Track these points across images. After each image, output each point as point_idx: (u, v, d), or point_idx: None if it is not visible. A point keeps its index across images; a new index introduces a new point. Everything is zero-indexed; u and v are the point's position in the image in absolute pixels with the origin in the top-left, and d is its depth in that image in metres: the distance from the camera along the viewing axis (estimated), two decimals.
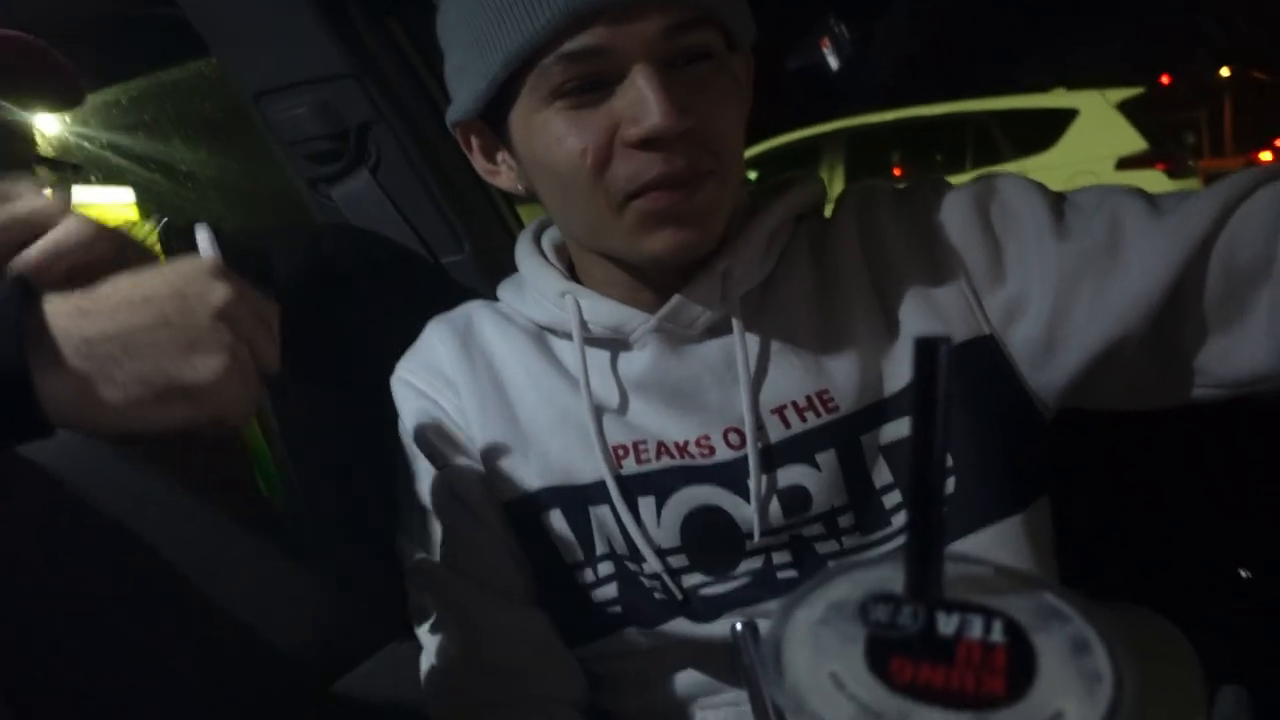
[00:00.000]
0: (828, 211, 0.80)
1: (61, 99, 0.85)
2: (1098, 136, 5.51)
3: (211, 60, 1.20)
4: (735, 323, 0.71)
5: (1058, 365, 0.68)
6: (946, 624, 0.30)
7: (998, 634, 0.30)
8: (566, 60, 0.62)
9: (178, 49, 1.26)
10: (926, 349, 0.30)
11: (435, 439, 0.77)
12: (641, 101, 0.62)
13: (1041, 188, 0.71)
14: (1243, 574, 0.86)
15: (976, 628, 0.30)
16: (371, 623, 0.84)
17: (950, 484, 0.68)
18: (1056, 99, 5.97)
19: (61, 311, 0.48)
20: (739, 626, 0.47)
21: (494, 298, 0.84)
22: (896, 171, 6.43)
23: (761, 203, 0.75)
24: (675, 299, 0.71)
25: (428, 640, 0.78)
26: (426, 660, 0.78)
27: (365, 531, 0.83)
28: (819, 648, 0.30)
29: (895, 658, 0.29)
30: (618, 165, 0.64)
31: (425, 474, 0.78)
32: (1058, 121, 5.69)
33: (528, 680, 0.75)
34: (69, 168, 0.90)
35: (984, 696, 0.27)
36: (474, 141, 0.75)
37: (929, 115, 6.40)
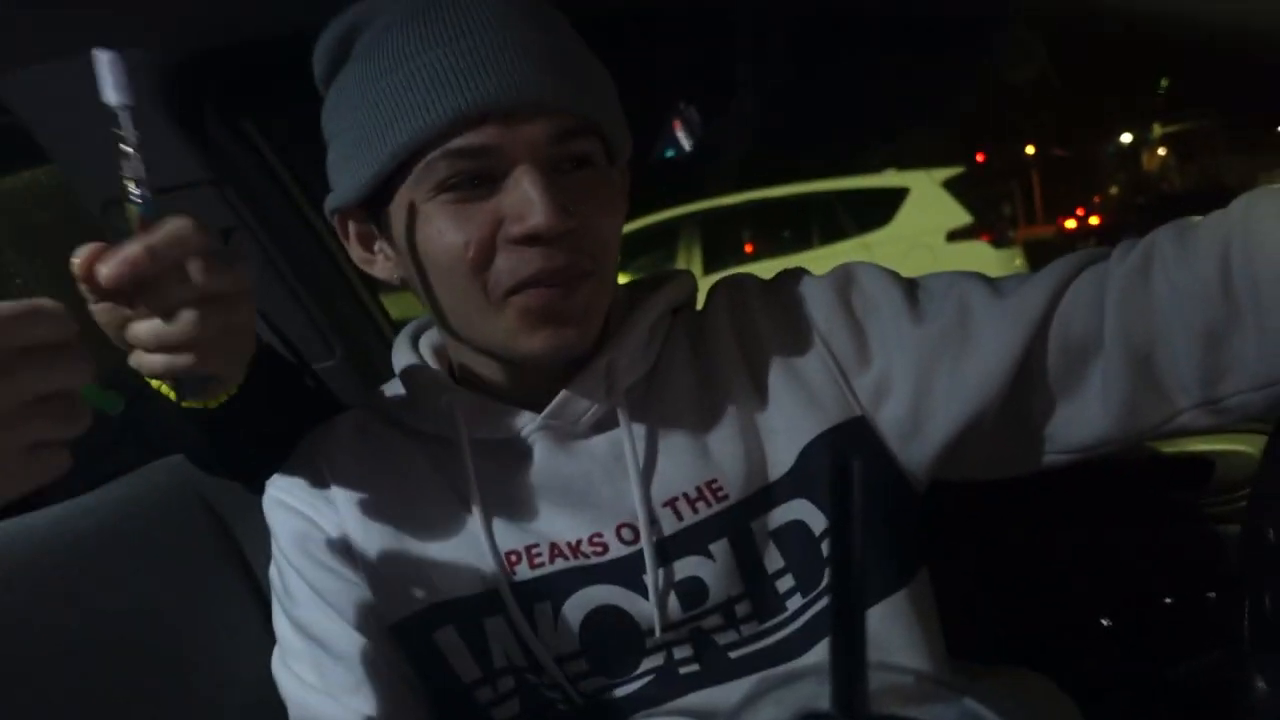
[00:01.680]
0: (699, 303, 0.83)
1: None
2: (928, 212, 6.00)
3: (47, 168, 1.14)
4: (622, 416, 0.72)
5: (924, 441, 0.72)
6: None
7: None
8: (454, 156, 0.64)
9: (9, 157, 1.19)
10: (840, 470, 0.32)
11: (314, 561, 0.73)
12: (526, 201, 0.63)
13: (895, 274, 0.77)
14: (1104, 623, 0.92)
15: None
16: None
17: None
18: (889, 179, 6.48)
19: None
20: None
21: (368, 403, 0.82)
22: (749, 248, 6.74)
23: (639, 297, 0.77)
24: (561, 395, 0.71)
25: None
26: None
27: None
28: None
29: None
30: (500, 261, 0.65)
31: (305, 599, 0.73)
32: (892, 199, 6.16)
33: None
34: None
35: None
36: (351, 229, 0.74)
37: (776, 196, 6.78)
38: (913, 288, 0.75)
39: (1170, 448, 0.99)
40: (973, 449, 0.72)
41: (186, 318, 0.55)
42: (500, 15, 0.65)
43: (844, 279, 0.76)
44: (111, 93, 0.54)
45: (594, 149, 0.68)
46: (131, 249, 0.52)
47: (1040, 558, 0.94)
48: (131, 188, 0.55)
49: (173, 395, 0.66)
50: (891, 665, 0.36)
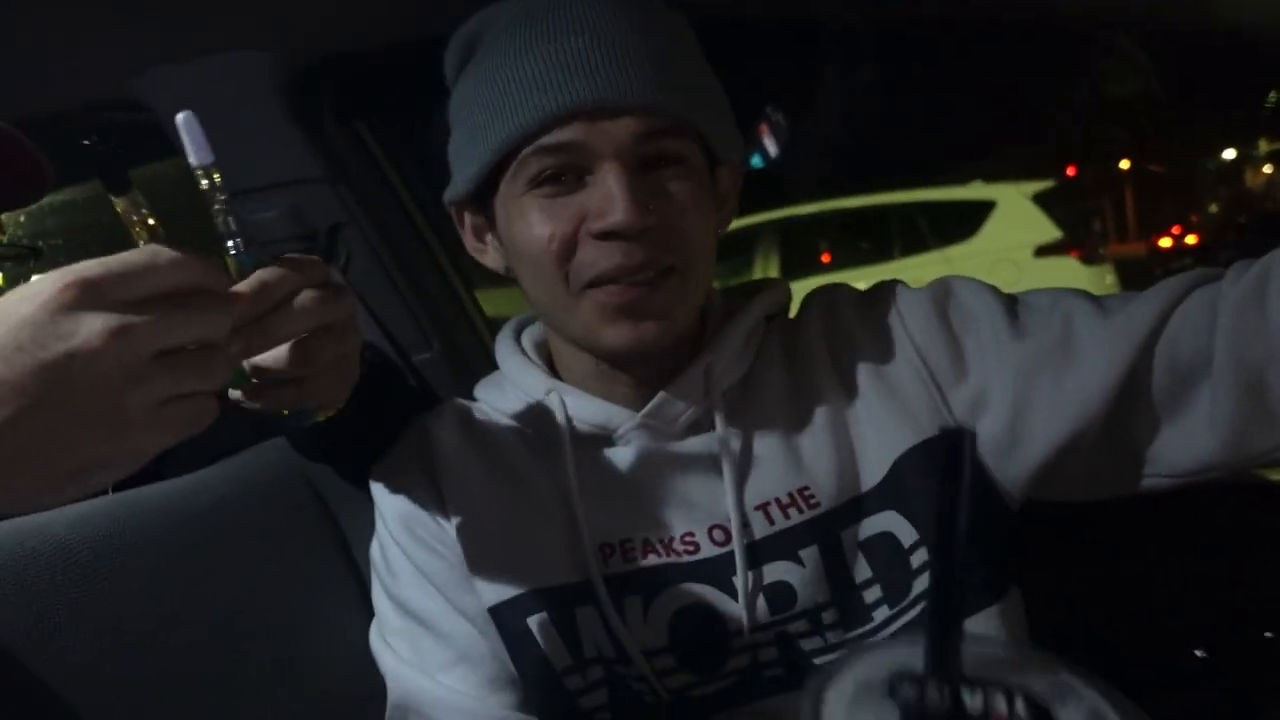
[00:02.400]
0: (792, 313, 0.84)
1: (27, 189, 0.84)
2: (1015, 226, 5.83)
3: (174, 161, 1.20)
4: (718, 419, 0.73)
5: (1021, 458, 0.72)
6: (972, 700, 0.32)
7: (1021, 709, 0.32)
8: (543, 153, 0.67)
9: (142, 151, 1.27)
10: (954, 438, 0.33)
11: (419, 541, 0.76)
12: (608, 197, 0.66)
13: (994, 289, 0.76)
14: (1198, 654, 0.89)
15: (1000, 703, 0.32)
16: None
17: (927, 578, 0.70)
18: (976, 191, 6.32)
19: None
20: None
21: (464, 396, 0.85)
22: (825, 258, 6.66)
23: (735, 303, 0.79)
24: (660, 396, 0.73)
25: None
26: None
27: None
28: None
29: None
30: (581, 254, 0.68)
31: (408, 578, 0.76)
32: (978, 212, 6.00)
33: None
34: (30, 253, 0.88)
35: None
36: (466, 220, 0.79)
37: (856, 206, 6.68)
38: (1013, 303, 0.75)
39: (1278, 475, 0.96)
40: (1071, 468, 0.71)
41: (295, 352, 0.56)
42: (599, 19, 0.67)
43: (942, 292, 0.76)
44: (194, 154, 0.55)
45: (685, 148, 0.70)
46: (236, 290, 0.53)
47: (1135, 584, 0.92)
48: (228, 242, 0.56)
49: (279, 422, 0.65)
50: (981, 636, 0.37)
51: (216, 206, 0.56)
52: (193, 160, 0.55)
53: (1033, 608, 0.75)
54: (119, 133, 1.15)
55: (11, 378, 0.42)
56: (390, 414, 0.84)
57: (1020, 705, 0.33)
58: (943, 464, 0.34)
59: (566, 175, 0.68)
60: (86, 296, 0.43)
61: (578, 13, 0.67)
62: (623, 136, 0.66)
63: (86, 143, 0.94)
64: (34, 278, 0.45)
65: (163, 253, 0.46)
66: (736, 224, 0.84)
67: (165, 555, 0.75)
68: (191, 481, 0.84)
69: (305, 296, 0.55)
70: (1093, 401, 0.68)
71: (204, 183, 0.56)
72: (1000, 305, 0.74)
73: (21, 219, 1.01)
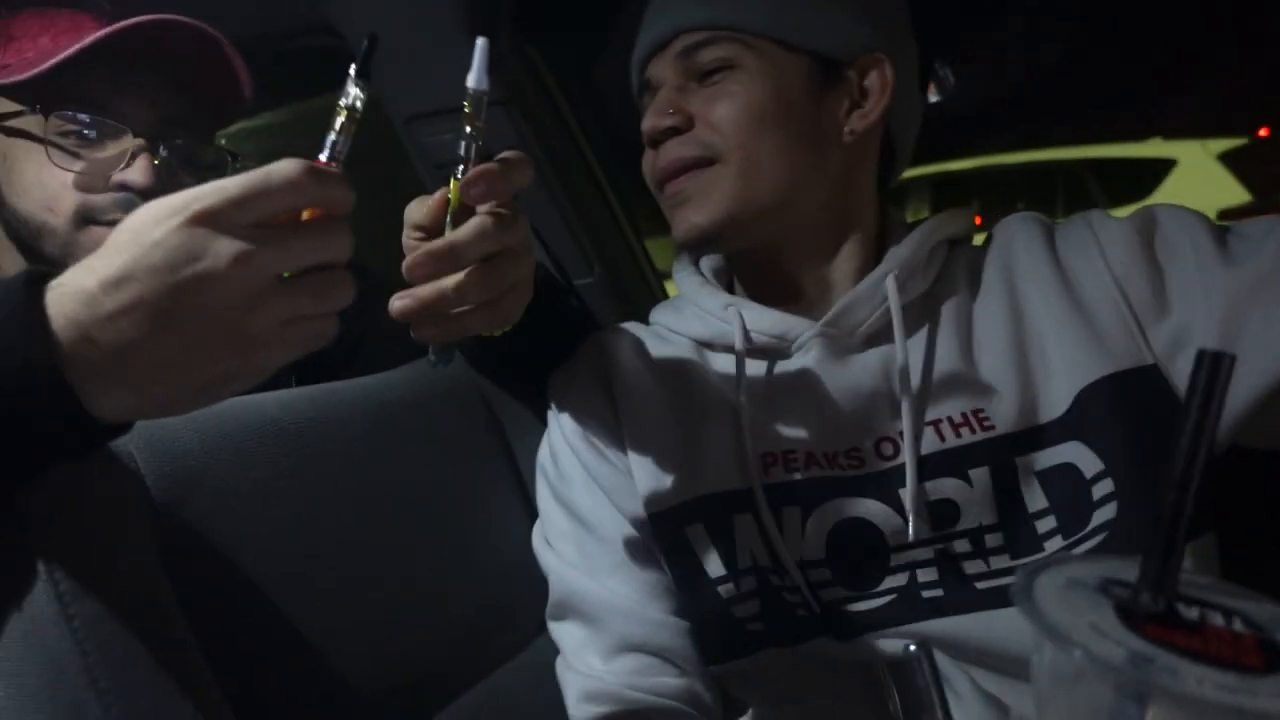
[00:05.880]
0: (978, 241, 0.81)
1: (231, 99, 0.88)
2: (1197, 188, 5.34)
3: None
4: (897, 330, 0.72)
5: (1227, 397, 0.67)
6: (1188, 611, 0.31)
7: (1240, 626, 0.31)
8: (640, 90, 0.83)
9: (323, 78, 1.33)
10: (1214, 361, 0.31)
11: (592, 448, 0.79)
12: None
13: (1204, 217, 0.71)
14: None
15: (1218, 619, 0.31)
16: (472, 654, 0.87)
17: (1112, 509, 0.67)
18: (1154, 149, 5.83)
19: (71, 334, 0.45)
20: (914, 648, 0.48)
21: (619, 321, 0.88)
22: (977, 220, 6.34)
23: (918, 224, 0.79)
24: (841, 302, 0.74)
25: (566, 644, 0.79)
26: (563, 666, 0.79)
27: None
28: (1071, 605, 0.31)
29: (1148, 624, 0.30)
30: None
31: (579, 482, 0.79)
32: (1155, 171, 5.54)
33: (664, 688, 0.76)
34: (231, 159, 0.94)
35: (1243, 665, 0.28)
36: None
37: (1015, 163, 6.31)
38: (1224, 232, 0.70)
39: None
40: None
41: (480, 275, 0.58)
42: None
43: (1147, 221, 0.72)
44: (474, 78, 0.57)
45: (729, 53, 0.75)
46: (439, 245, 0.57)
47: None
48: (458, 167, 0.58)
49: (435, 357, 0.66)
50: (1196, 574, 0.36)
51: (469, 130, 0.58)
52: (471, 83, 0.58)
53: (1230, 558, 0.70)
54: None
55: (148, 297, 0.44)
56: (561, 335, 0.87)
57: (1239, 623, 0.32)
58: (1199, 386, 0.32)
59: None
60: (213, 220, 0.45)
61: None
62: (668, 59, 0.78)
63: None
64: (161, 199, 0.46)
65: (274, 176, 0.46)
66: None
67: (356, 440, 0.82)
68: (379, 381, 0.90)
69: (486, 221, 0.58)
70: None
71: (468, 107, 0.58)
72: (1209, 234, 0.69)
73: (222, 140, 1.09)
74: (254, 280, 0.45)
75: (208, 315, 0.45)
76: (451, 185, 0.59)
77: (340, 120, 0.53)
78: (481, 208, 0.59)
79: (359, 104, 0.54)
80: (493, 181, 0.57)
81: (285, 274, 0.47)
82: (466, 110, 0.58)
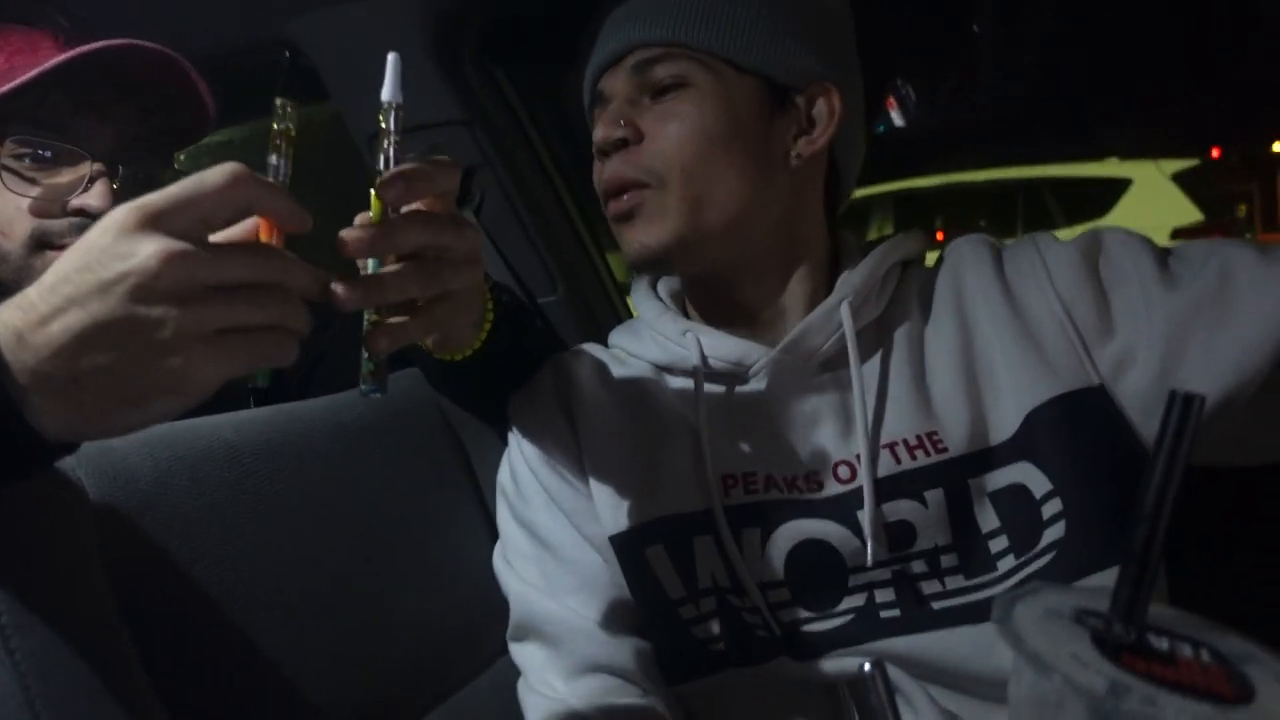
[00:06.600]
0: (930, 263, 0.83)
1: (195, 120, 0.86)
2: (1152, 206, 5.49)
3: (319, 106, 1.26)
4: (852, 355, 0.73)
5: None
6: (1159, 642, 0.32)
7: (1208, 657, 0.32)
8: (593, 102, 0.82)
9: (298, 93, 1.32)
10: (1185, 402, 0.32)
11: (552, 470, 0.79)
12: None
13: (1147, 241, 0.73)
14: None
15: (1187, 650, 0.32)
16: (433, 676, 0.86)
17: (1060, 528, 0.69)
18: (1110, 168, 5.97)
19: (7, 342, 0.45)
20: (868, 667, 0.48)
21: (585, 338, 0.88)
22: (940, 235, 6.44)
23: (871, 247, 0.80)
24: (798, 328, 0.74)
25: (527, 666, 0.79)
26: (525, 688, 0.79)
27: None
28: (1050, 635, 0.32)
29: (1124, 654, 0.31)
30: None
31: (539, 503, 0.79)
32: (1111, 190, 5.68)
33: (626, 709, 0.76)
34: None
35: (1217, 695, 0.29)
36: None
37: (977, 181, 6.43)
38: (1166, 255, 0.72)
39: None
40: (1224, 430, 0.68)
41: (413, 271, 0.55)
42: None
43: (1092, 244, 0.74)
44: (389, 90, 0.57)
45: (682, 70, 0.75)
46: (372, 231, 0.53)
47: None
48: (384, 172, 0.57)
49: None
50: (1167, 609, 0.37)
51: (385, 142, 0.58)
52: (386, 95, 0.57)
53: (1172, 573, 0.72)
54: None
55: (78, 297, 0.44)
56: (524, 358, 0.86)
57: (1206, 654, 0.33)
58: (1171, 424, 0.33)
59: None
60: (147, 222, 0.44)
61: None
62: (622, 74, 0.78)
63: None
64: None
65: (209, 175, 0.46)
66: (852, 194, 0.86)
67: (315, 461, 0.81)
68: (336, 400, 0.89)
69: (421, 212, 0.56)
70: (1251, 357, 0.65)
71: (383, 120, 0.57)
72: (1151, 257, 0.71)
73: (181, 158, 1.07)
74: (184, 280, 0.44)
75: (137, 315, 0.44)
76: (373, 193, 0.59)
77: (278, 143, 0.53)
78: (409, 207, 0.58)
79: (290, 127, 0.54)
80: (410, 181, 0.56)
81: None
82: (381, 125, 0.58)
